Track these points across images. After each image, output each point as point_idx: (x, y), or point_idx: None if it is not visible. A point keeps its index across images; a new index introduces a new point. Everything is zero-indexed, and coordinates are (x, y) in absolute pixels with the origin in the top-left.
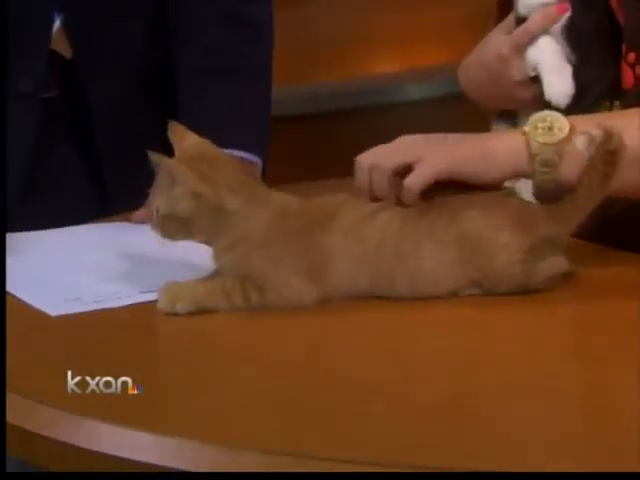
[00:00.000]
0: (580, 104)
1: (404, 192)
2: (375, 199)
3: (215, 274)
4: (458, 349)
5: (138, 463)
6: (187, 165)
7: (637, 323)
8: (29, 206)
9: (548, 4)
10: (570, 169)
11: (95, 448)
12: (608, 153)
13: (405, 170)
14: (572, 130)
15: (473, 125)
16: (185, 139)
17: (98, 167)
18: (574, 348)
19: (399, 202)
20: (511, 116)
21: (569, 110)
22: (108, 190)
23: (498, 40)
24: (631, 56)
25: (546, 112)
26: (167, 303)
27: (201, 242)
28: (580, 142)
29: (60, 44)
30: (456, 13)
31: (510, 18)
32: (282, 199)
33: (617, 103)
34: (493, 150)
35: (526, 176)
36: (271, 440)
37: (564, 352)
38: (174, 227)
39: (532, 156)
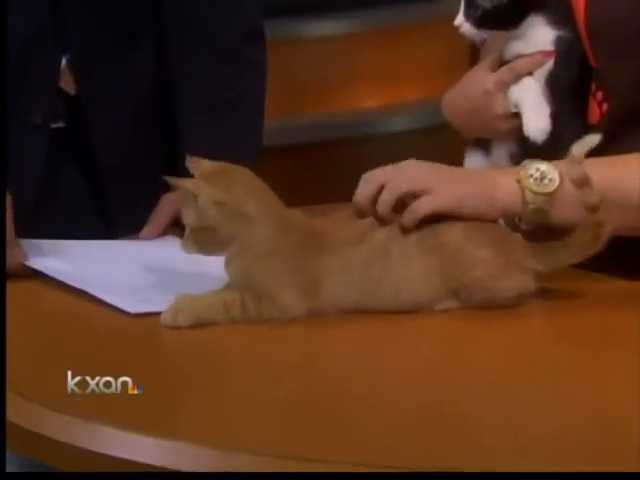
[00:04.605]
0: (555, 150)
1: (406, 214)
2: (363, 214)
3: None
4: (440, 359)
5: (137, 464)
6: (204, 179)
7: (603, 333)
8: (36, 230)
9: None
10: (559, 215)
11: (96, 450)
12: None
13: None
14: (562, 181)
15: (449, 154)
16: (202, 163)
17: (102, 194)
18: (546, 357)
19: (386, 223)
20: (485, 145)
21: (545, 154)
22: (112, 216)
23: (483, 76)
24: (599, 94)
25: (538, 163)
26: (170, 316)
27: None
28: None
29: (66, 82)
30: (433, 53)
31: (493, 56)
32: (289, 212)
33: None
34: (492, 194)
35: (517, 217)
36: (267, 443)
37: (537, 361)
38: (206, 239)
39: (525, 204)
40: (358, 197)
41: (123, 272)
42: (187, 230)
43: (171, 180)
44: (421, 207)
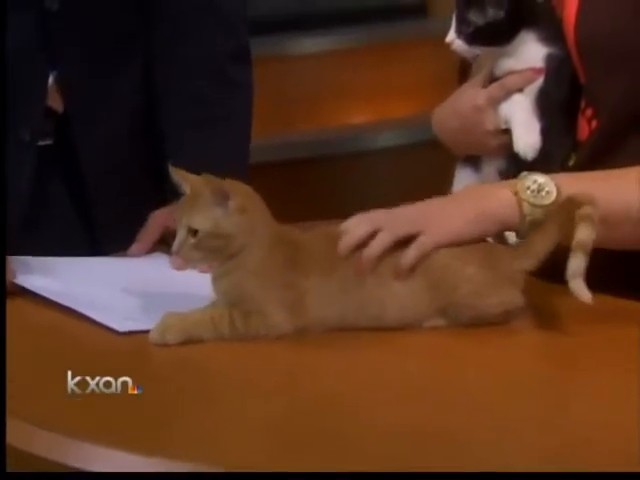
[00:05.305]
0: (544, 167)
1: (409, 253)
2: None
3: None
4: (428, 376)
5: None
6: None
7: (591, 350)
8: (24, 246)
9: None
10: None
11: (85, 468)
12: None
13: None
14: (559, 193)
15: (438, 171)
16: (190, 175)
17: (90, 211)
18: (534, 374)
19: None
20: (474, 162)
21: (535, 170)
22: (100, 233)
23: (474, 92)
24: (589, 111)
25: (535, 175)
26: (158, 334)
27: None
28: None
29: (53, 99)
30: (421, 70)
31: (484, 72)
32: (280, 228)
33: (573, 155)
34: (488, 210)
35: (514, 230)
36: (255, 460)
37: (525, 377)
38: (215, 247)
39: (523, 216)
40: (349, 240)
41: (111, 289)
42: (187, 238)
43: (189, 181)
44: (422, 246)
